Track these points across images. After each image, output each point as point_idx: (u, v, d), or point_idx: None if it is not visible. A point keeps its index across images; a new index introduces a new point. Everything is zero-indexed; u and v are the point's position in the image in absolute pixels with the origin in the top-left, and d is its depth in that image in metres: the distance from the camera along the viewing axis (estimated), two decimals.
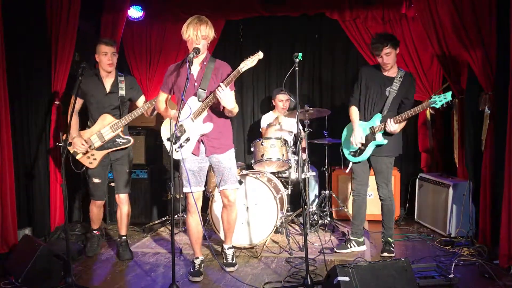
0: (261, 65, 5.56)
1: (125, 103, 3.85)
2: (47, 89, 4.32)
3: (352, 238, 3.95)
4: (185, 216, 4.66)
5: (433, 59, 4.88)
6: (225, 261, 3.65)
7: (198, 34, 3.13)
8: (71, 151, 3.74)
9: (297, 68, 3.16)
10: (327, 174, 4.88)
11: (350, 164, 3.90)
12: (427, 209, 4.78)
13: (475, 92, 3.96)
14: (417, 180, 4.96)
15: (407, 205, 5.02)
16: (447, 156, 4.95)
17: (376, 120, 3.71)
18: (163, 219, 4.92)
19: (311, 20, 5.36)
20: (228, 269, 3.54)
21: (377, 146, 3.73)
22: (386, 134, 3.69)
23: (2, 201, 3.76)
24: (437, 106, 3.42)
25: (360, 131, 3.75)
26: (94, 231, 4.02)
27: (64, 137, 3.24)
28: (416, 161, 5.33)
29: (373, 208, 4.94)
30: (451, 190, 4.33)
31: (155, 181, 5.13)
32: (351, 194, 4.01)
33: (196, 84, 3.28)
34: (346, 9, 5.01)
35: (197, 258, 3.53)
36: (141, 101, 3.91)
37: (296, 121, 3.38)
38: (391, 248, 3.85)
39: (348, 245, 3.92)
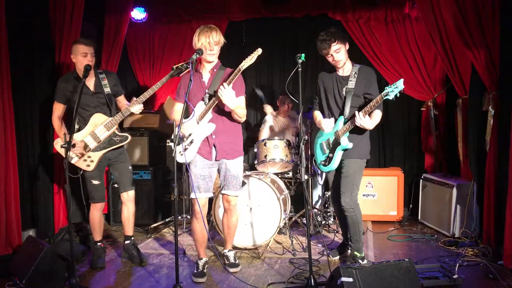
0: (264, 66, 5.61)
1: (112, 100, 3.72)
2: (51, 91, 4.32)
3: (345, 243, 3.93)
4: (189, 217, 4.69)
5: (436, 59, 4.87)
6: (227, 262, 3.65)
7: (211, 40, 3.20)
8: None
9: (300, 69, 3.15)
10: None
11: (324, 174, 3.83)
12: (431, 210, 4.77)
13: (478, 92, 3.94)
14: (420, 180, 4.94)
15: (411, 206, 5.01)
16: (451, 156, 4.94)
17: (340, 123, 3.47)
18: (167, 220, 4.92)
19: (313, 20, 5.35)
20: (231, 270, 3.55)
21: (345, 150, 3.48)
22: (357, 133, 3.44)
23: (6, 202, 3.78)
24: (390, 98, 3.13)
25: (328, 121, 3.54)
26: (98, 243, 3.77)
27: (68, 139, 3.23)
28: (419, 161, 5.32)
29: (377, 209, 4.93)
30: (455, 191, 4.32)
31: (158, 182, 5.13)
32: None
33: (207, 90, 3.35)
34: (349, 9, 5.00)
35: (200, 259, 3.54)
36: (121, 98, 3.81)
37: (299, 122, 3.37)
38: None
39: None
